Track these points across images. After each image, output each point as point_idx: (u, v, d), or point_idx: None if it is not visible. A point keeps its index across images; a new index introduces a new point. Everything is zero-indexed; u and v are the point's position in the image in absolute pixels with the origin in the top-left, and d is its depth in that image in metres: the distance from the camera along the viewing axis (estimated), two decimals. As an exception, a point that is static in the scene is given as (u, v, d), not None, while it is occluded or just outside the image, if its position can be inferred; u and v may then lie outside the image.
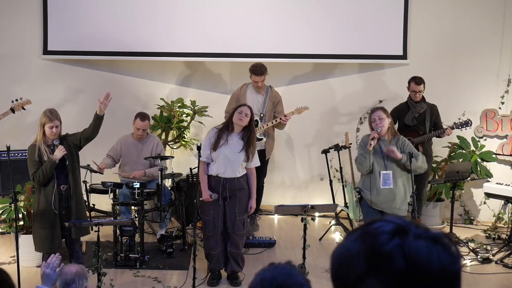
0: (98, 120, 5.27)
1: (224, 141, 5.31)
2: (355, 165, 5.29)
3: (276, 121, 6.64)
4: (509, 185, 6.48)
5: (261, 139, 6.64)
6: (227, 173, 5.32)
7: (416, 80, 6.55)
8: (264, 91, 6.75)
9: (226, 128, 5.37)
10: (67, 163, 5.11)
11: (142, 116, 6.54)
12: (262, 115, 6.70)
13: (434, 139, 6.76)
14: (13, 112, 6.16)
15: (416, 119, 6.58)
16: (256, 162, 5.51)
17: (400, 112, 6.67)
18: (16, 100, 6.18)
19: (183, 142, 7.47)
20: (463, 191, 7.46)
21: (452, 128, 6.46)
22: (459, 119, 7.20)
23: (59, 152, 5.05)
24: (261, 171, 6.76)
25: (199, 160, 5.14)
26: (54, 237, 5.14)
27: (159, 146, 6.70)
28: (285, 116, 6.64)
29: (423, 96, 6.62)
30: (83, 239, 5.77)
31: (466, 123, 6.47)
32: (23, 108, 6.24)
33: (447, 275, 1.23)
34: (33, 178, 5.12)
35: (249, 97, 6.70)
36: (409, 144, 5.20)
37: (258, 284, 1.78)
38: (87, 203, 5.85)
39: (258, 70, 6.58)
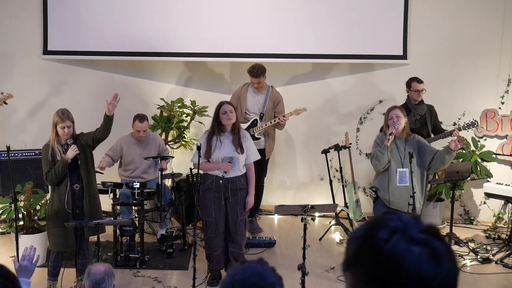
0: (108, 120, 5.29)
1: (218, 143, 5.30)
2: (371, 162, 5.28)
3: (274, 121, 6.64)
4: (509, 185, 6.48)
5: (259, 138, 6.64)
6: (228, 173, 5.32)
7: (418, 79, 6.52)
8: (265, 90, 6.76)
9: (214, 131, 5.35)
10: (79, 162, 5.11)
11: (141, 117, 6.52)
12: (262, 114, 6.70)
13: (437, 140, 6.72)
14: None
15: (418, 122, 6.54)
16: (254, 156, 5.49)
17: None
18: None
19: (183, 142, 7.47)
20: (463, 191, 7.46)
21: (459, 129, 6.43)
22: (459, 119, 7.21)
23: (71, 152, 5.06)
24: (261, 171, 6.76)
25: (198, 159, 5.12)
26: (67, 235, 5.15)
27: (161, 145, 6.71)
28: (284, 116, 6.63)
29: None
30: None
31: (473, 124, 6.45)
32: (5, 103, 6.12)
33: (425, 284, 1.23)
34: (46, 177, 5.13)
35: (249, 97, 6.71)
36: (425, 142, 5.25)
37: (229, 285, 1.77)
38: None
39: (254, 72, 6.60)
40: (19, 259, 3.11)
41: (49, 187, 5.33)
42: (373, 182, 5.37)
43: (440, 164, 5.16)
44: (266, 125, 6.63)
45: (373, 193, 5.26)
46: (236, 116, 5.37)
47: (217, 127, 5.34)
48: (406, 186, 5.11)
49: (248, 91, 6.76)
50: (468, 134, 7.28)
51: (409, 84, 6.56)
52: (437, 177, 7.16)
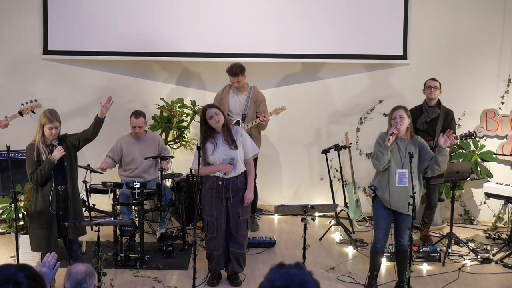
0: (98, 122, 5.28)
1: (214, 146, 5.28)
2: (371, 161, 5.26)
3: (255, 121, 6.62)
4: (509, 185, 6.48)
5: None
6: (229, 173, 5.30)
7: (432, 78, 6.56)
8: (246, 91, 6.74)
9: (207, 135, 5.29)
10: (65, 163, 5.11)
11: (136, 113, 6.54)
12: (244, 115, 6.69)
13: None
14: (21, 115, 5.84)
15: (427, 124, 6.50)
16: (253, 150, 5.46)
17: (414, 115, 6.61)
18: (26, 103, 5.86)
19: (183, 142, 7.47)
20: (463, 191, 7.47)
21: (457, 138, 6.40)
22: (459, 119, 7.21)
23: (58, 152, 5.05)
24: None
25: (198, 160, 5.12)
26: (50, 237, 5.14)
27: (160, 144, 6.71)
28: (264, 116, 6.61)
29: (439, 101, 6.56)
30: (82, 239, 5.78)
31: (470, 135, 6.44)
32: (33, 112, 5.87)
33: None
34: (31, 178, 5.12)
35: (231, 98, 6.69)
36: (427, 146, 5.20)
37: None
38: (87, 203, 5.85)
39: (232, 71, 6.60)
40: (40, 264, 3.12)
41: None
42: (372, 181, 5.35)
43: (435, 166, 5.06)
44: (247, 126, 6.62)
45: (372, 192, 5.23)
46: (223, 115, 5.33)
47: (208, 131, 5.30)
48: (405, 187, 5.09)
49: (230, 92, 6.75)
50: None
51: (425, 83, 6.56)
52: (437, 177, 7.17)
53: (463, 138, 6.46)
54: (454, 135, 6.31)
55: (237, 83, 6.64)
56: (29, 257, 5.72)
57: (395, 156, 5.09)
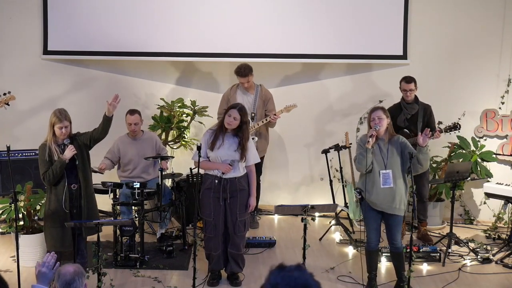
0: (106, 121, 5.29)
1: (221, 142, 5.29)
2: (355, 165, 5.26)
3: (266, 120, 6.66)
4: (509, 185, 6.48)
5: (253, 139, 6.62)
6: (228, 174, 5.30)
7: (407, 79, 6.56)
8: (254, 90, 6.78)
9: (221, 129, 5.34)
10: (77, 162, 5.12)
11: (131, 111, 6.57)
12: (253, 114, 6.71)
13: (431, 140, 6.69)
14: None
15: (407, 121, 6.54)
16: (255, 158, 5.47)
17: (393, 113, 6.63)
18: (0, 95, 5.85)
19: (183, 142, 7.46)
20: (463, 191, 7.47)
21: (441, 131, 6.41)
22: (459, 119, 7.22)
23: (69, 152, 5.06)
24: (256, 171, 6.74)
25: (199, 159, 5.12)
26: (64, 236, 5.16)
27: (158, 144, 6.70)
28: (275, 114, 6.65)
29: (416, 97, 6.58)
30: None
31: (455, 127, 6.43)
32: (7, 104, 5.90)
33: None
34: (43, 177, 5.13)
35: (239, 98, 6.71)
36: (409, 145, 5.17)
37: None
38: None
39: (242, 72, 6.63)
40: (40, 264, 3.11)
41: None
42: (357, 184, 5.32)
43: (417, 165, 5.03)
44: (258, 125, 6.65)
45: (358, 194, 5.21)
46: (242, 125, 5.27)
47: (223, 124, 5.32)
48: (390, 188, 5.07)
49: (237, 92, 6.77)
50: (468, 134, 7.29)
51: (400, 82, 6.60)
52: (437, 177, 7.17)
53: (448, 131, 6.46)
54: (438, 129, 6.36)
55: (247, 83, 6.67)
56: (29, 257, 5.73)
57: (377, 157, 5.07)
